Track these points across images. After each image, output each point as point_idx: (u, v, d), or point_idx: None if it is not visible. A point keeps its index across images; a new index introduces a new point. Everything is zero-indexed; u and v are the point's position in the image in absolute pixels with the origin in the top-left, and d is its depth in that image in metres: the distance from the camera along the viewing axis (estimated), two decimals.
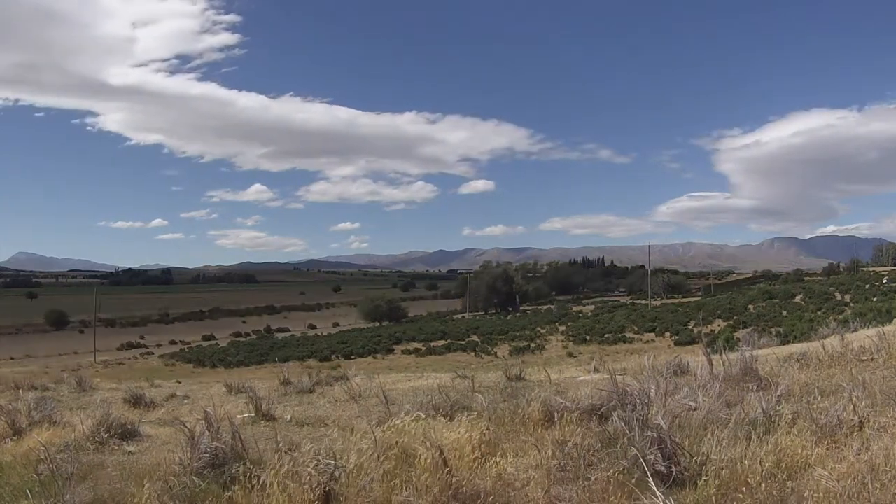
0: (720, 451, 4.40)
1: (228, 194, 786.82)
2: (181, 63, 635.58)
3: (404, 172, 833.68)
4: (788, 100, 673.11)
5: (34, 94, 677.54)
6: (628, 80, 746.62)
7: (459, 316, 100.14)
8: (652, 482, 3.79)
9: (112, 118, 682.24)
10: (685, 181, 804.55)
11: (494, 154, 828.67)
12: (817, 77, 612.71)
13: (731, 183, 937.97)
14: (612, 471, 4.31)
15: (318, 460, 4.60)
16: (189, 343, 73.10)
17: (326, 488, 4.36)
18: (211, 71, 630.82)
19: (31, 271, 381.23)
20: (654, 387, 5.59)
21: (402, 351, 56.01)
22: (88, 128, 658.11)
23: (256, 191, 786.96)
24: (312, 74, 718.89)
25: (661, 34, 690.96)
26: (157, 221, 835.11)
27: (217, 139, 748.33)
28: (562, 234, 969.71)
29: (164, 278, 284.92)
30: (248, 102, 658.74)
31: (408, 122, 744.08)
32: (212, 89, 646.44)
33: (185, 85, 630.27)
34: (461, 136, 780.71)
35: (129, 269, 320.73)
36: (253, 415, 8.37)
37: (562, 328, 65.36)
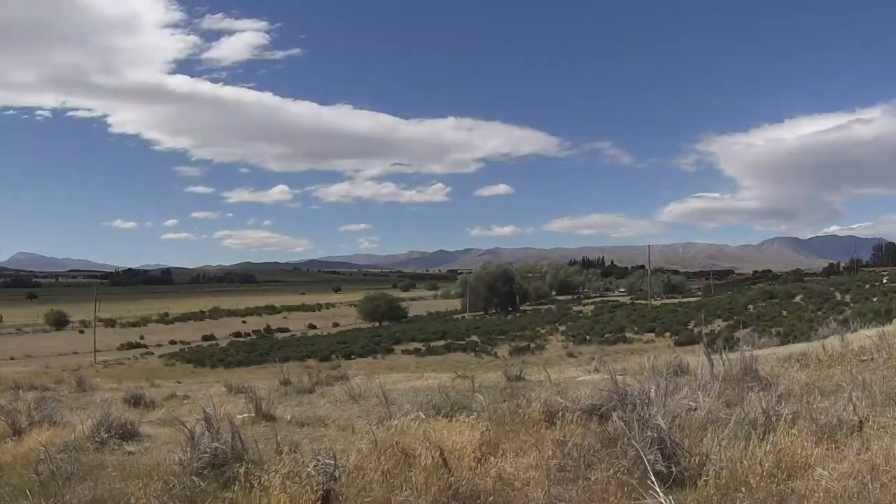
0: (720, 451, 4.40)
1: (251, 195, 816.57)
2: (243, 73, 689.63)
3: (429, 175, 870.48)
4: (794, 103, 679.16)
5: (81, 96, 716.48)
6: (644, 84, 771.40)
7: (459, 316, 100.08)
8: (653, 479, 3.78)
9: (146, 123, 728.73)
10: (691, 182, 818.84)
11: (521, 160, 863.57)
12: (823, 80, 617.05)
13: (736, 184, 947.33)
14: (612, 471, 4.30)
15: (318, 460, 4.60)
16: (189, 343, 73.02)
17: (326, 488, 4.35)
18: (269, 80, 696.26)
19: (31, 271, 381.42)
20: (654, 387, 5.58)
21: (402, 351, 55.95)
22: (111, 129, 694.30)
23: (280, 191, 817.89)
24: (365, 84, 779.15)
25: (670, 38, 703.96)
26: (170, 222, 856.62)
27: (250, 143, 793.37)
28: (566, 235, 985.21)
29: (164, 278, 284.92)
30: (299, 110, 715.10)
31: (448, 128, 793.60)
32: (264, 97, 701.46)
33: (239, 93, 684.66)
34: (494, 143, 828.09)
35: (129, 269, 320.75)
36: (253, 415, 8.36)
37: (562, 328, 65.34)
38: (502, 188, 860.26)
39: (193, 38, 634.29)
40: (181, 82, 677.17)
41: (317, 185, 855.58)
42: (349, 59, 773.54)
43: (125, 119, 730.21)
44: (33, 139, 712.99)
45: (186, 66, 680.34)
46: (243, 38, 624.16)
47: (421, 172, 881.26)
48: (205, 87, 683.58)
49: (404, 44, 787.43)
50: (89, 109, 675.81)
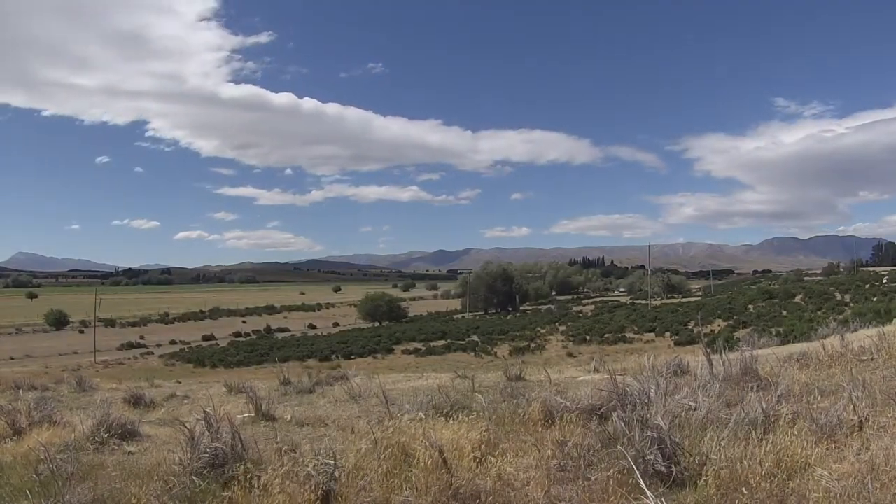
0: (720, 450, 4.40)
1: (292, 197, 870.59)
2: (356, 93, 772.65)
3: (472, 182, 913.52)
4: (804, 106, 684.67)
5: (173, 104, 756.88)
6: (653, 86, 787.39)
7: (459, 316, 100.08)
8: (642, 483, 3.79)
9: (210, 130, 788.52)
10: (694, 183, 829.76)
11: (558, 166, 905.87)
12: (828, 82, 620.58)
13: (739, 185, 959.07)
14: (612, 471, 4.30)
15: (318, 460, 4.60)
16: (189, 343, 72.98)
17: (326, 488, 4.36)
18: (373, 99, 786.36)
19: (31, 271, 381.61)
20: (654, 387, 5.59)
21: (402, 351, 55.98)
22: (150, 133, 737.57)
23: (316, 194, 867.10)
24: (457, 102, 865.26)
25: (676, 41, 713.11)
26: (192, 223, 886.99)
27: (307, 148, 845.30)
28: (577, 236, 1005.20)
29: (164, 278, 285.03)
30: (386, 123, 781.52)
31: (517, 140, 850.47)
32: (358, 112, 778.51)
33: (338, 109, 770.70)
34: (554, 153, 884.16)
35: (129, 269, 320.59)
36: (253, 415, 8.35)
37: (562, 328, 65.45)
38: (530, 193, 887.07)
39: (324, 63, 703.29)
40: (284, 98, 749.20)
41: (356, 187, 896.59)
42: (444, 82, 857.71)
43: (183, 123, 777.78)
44: (53, 140, 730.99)
45: (304, 85, 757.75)
46: (365, 68, 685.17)
47: (465, 179, 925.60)
48: (309, 103, 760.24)
49: (495, 65, 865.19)
50: (163, 117, 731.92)
